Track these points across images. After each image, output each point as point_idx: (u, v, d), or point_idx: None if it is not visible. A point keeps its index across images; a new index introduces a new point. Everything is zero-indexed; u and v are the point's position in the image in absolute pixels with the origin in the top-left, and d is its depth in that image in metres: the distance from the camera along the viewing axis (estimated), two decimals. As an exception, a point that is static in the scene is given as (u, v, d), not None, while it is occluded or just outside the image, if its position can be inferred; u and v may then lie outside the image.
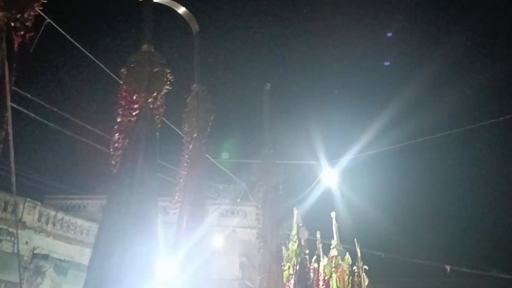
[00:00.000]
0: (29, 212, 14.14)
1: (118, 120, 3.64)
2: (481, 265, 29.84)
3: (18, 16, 3.16)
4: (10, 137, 2.98)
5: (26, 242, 13.61)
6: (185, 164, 4.64)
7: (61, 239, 14.99)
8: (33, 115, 9.08)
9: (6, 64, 3.04)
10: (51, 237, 14.68)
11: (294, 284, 6.54)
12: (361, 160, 12.55)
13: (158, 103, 3.96)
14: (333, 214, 10.94)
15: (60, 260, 14.26)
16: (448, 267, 22.47)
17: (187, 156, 4.72)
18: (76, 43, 7.69)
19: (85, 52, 7.95)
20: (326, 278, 9.84)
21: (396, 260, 24.47)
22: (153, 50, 4.08)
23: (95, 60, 8.05)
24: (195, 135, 4.81)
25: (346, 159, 11.39)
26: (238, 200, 19.49)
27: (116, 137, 3.59)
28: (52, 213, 15.28)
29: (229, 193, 21.48)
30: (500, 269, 25.24)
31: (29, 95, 9.11)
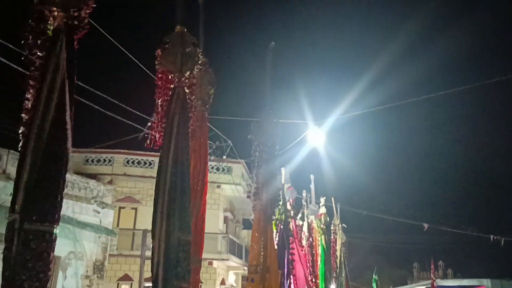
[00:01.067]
0: (13, 164, 13.98)
1: (159, 102, 4.13)
2: (458, 223, 30.85)
3: (76, 14, 3.45)
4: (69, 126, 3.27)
5: (11, 194, 13.56)
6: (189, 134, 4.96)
7: (45, 191, 14.97)
8: (15, 66, 8.81)
9: (65, 67, 3.32)
10: (36, 189, 14.64)
11: (278, 241, 6.71)
12: (347, 120, 12.61)
13: (191, 82, 4.27)
14: (312, 177, 11.13)
15: (45, 211, 14.30)
16: (425, 225, 23.20)
17: (192, 127, 4.99)
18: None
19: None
20: (314, 235, 10.12)
21: (376, 217, 25.16)
22: (185, 31, 4.29)
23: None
24: (198, 107, 5.00)
25: (332, 119, 11.42)
26: (224, 156, 19.56)
27: (157, 118, 4.17)
28: (36, 165, 15.17)
29: (215, 150, 21.51)
30: (476, 228, 26.17)
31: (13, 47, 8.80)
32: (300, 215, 9.89)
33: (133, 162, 21.38)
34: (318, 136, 11.53)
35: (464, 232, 25.95)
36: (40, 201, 3.08)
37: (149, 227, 4.21)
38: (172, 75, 4.11)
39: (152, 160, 21.62)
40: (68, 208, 15.59)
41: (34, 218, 3.02)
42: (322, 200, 11.40)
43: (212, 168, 22.19)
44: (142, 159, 21.56)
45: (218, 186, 21.94)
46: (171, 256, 3.75)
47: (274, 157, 6.01)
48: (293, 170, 10.81)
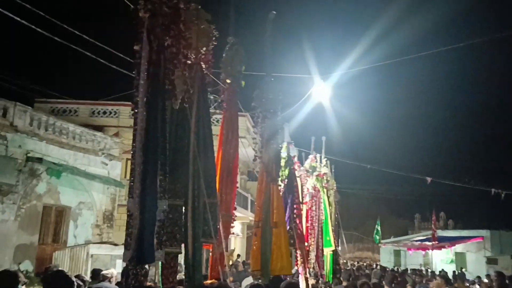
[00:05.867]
0: (20, 117, 14.10)
1: (176, 79, 4.32)
2: (460, 176, 31.15)
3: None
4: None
5: (19, 146, 13.78)
6: (224, 106, 5.29)
7: (54, 144, 15.16)
8: (24, 22, 8.80)
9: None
10: (44, 141, 14.82)
11: (283, 197, 6.90)
12: (353, 74, 12.51)
13: (207, 58, 4.49)
14: (323, 139, 11.27)
15: (54, 163, 14.55)
16: (429, 179, 23.41)
17: (222, 100, 5.29)
18: None
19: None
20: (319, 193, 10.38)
21: (381, 171, 25.42)
22: (199, 7, 4.55)
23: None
24: (228, 81, 5.24)
25: (338, 73, 11.32)
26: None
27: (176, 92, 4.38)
28: (44, 117, 15.26)
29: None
30: (478, 181, 26.44)
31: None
32: (304, 172, 10.08)
33: (139, 115, 21.41)
34: (324, 91, 11.49)
35: (466, 185, 26.25)
36: (175, 185, 4.05)
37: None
38: (188, 51, 4.34)
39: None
40: (76, 160, 15.87)
41: (171, 196, 3.98)
42: (324, 161, 11.61)
43: (218, 121, 22.26)
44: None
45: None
46: (198, 217, 4.28)
47: (276, 122, 6.32)
48: (299, 125, 10.90)
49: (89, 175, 16.04)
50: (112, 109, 21.46)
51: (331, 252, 11.54)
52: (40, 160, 14.10)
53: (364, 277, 14.58)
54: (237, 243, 26.46)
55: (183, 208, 4.25)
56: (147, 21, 3.95)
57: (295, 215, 6.86)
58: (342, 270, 13.58)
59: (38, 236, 14.82)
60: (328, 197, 11.33)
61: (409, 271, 22.00)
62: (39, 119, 14.95)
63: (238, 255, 24.47)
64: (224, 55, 5.68)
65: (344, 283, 9.72)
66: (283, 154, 7.26)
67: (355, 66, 11.71)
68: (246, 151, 22.68)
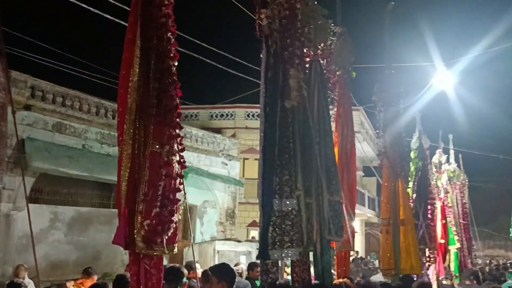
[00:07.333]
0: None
1: (292, 79, 4.28)
2: None
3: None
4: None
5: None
6: (337, 100, 5.32)
7: (180, 147, 16.31)
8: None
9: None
10: (171, 145, 16.01)
11: (415, 192, 6.62)
12: (482, 59, 11.47)
13: (325, 54, 4.47)
14: (450, 136, 10.63)
15: (181, 165, 15.63)
16: None
17: (335, 94, 5.33)
18: None
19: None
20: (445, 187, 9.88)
21: (515, 161, 23.02)
22: (316, 3, 4.43)
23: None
24: (338, 73, 5.20)
25: (464, 59, 10.48)
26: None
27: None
28: (170, 123, 16.51)
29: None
30: None
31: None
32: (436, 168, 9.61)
33: (253, 116, 22.05)
34: (447, 79, 10.76)
35: None
36: (305, 183, 4.16)
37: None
38: (306, 48, 4.35)
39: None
40: (200, 161, 16.91)
41: (305, 194, 4.16)
42: (449, 157, 10.95)
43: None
44: (261, 112, 22.17)
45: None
46: (323, 215, 4.27)
47: (399, 116, 6.07)
48: (421, 117, 10.32)
49: (212, 175, 16.95)
50: (228, 112, 22.43)
51: (456, 250, 11.06)
52: (168, 163, 15.22)
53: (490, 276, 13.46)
54: (356, 240, 26.00)
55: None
56: (266, 28, 4.08)
57: (428, 212, 6.52)
58: (473, 269, 12.68)
59: (170, 233, 16.04)
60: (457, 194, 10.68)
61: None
62: (166, 125, 16.18)
63: (357, 252, 24.02)
64: (333, 46, 5.64)
65: (467, 282, 9.09)
66: (414, 145, 6.96)
67: (483, 50, 10.69)
68: (361, 145, 22.22)
